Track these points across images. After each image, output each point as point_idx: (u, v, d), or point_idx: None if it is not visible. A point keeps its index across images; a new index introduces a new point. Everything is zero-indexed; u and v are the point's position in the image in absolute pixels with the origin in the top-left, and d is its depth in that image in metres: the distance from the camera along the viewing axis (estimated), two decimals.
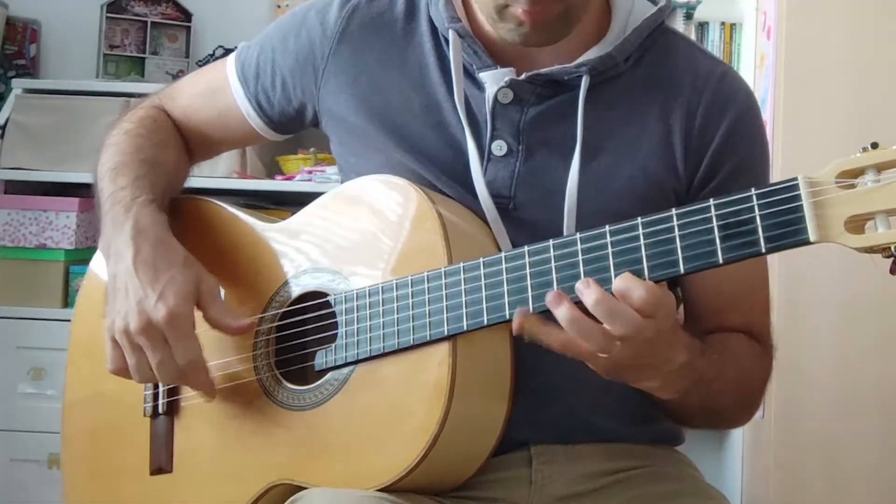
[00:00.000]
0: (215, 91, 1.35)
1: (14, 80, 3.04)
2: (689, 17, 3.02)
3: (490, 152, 1.17)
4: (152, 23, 3.25)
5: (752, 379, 1.19)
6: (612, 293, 0.98)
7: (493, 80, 1.17)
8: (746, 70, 2.84)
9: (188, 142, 1.38)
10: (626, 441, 1.20)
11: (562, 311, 0.98)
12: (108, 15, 3.21)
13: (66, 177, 2.84)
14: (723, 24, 3.02)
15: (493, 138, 1.17)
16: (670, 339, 1.02)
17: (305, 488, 1.10)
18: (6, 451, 2.81)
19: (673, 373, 1.04)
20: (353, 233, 1.16)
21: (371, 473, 1.07)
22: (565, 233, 1.11)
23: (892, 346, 2.05)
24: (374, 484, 1.06)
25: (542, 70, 1.16)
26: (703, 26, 3.04)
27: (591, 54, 1.17)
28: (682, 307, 1.23)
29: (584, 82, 1.15)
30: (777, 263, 2.11)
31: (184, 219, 1.29)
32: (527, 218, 1.15)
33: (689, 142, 1.17)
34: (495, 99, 1.16)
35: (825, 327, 2.08)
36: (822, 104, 2.07)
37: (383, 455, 1.07)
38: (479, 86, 1.18)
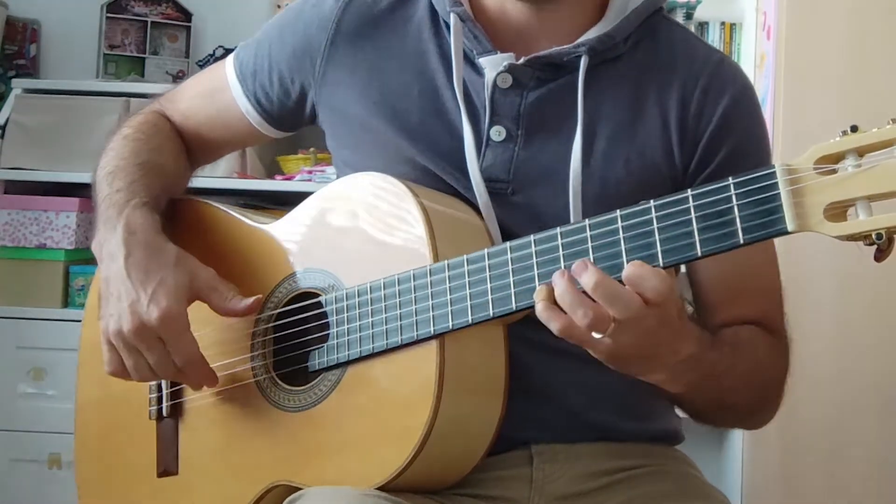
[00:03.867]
0: (215, 91, 1.35)
1: (14, 80, 3.05)
2: (689, 17, 3.02)
3: (489, 138, 1.17)
4: (152, 23, 3.25)
5: (768, 372, 1.18)
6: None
7: (493, 66, 1.17)
8: (746, 70, 2.84)
9: (189, 144, 1.38)
10: (626, 439, 1.20)
11: (558, 287, 0.96)
12: (108, 15, 3.22)
13: (66, 177, 2.84)
14: (723, 24, 3.03)
15: (492, 123, 1.17)
16: (676, 329, 1.00)
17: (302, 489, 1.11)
18: (6, 451, 2.81)
19: (680, 364, 1.03)
20: (342, 232, 1.16)
21: (364, 474, 1.07)
22: (572, 218, 1.11)
23: (892, 345, 2.05)
24: (367, 484, 1.06)
25: (541, 53, 1.16)
26: (703, 26, 3.05)
27: (590, 34, 1.17)
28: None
29: (583, 62, 1.15)
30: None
31: (178, 220, 1.29)
32: (526, 202, 1.15)
33: (685, 127, 1.17)
34: (494, 84, 1.17)
35: (825, 327, 2.08)
36: (822, 104, 2.07)
37: (375, 455, 1.07)
38: (478, 71, 1.19)
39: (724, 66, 1.21)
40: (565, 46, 1.16)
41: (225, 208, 1.32)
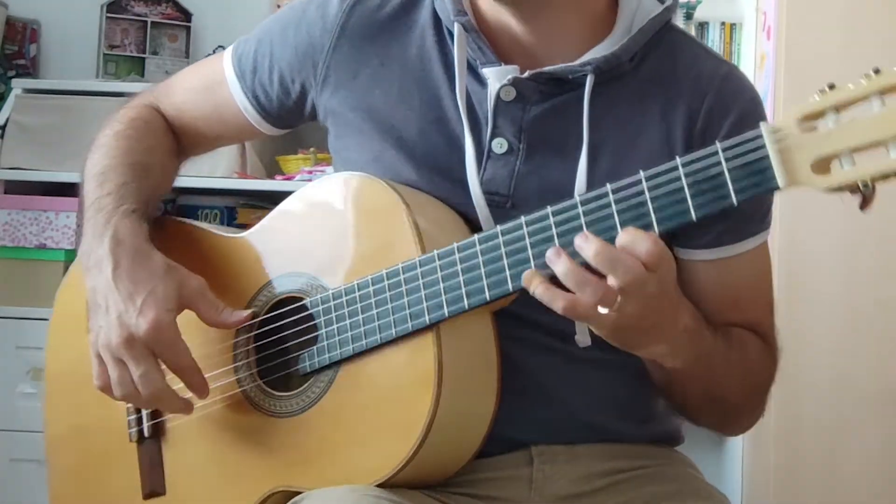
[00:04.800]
0: (211, 86, 1.33)
1: (14, 80, 3.04)
2: (689, 17, 3.02)
3: (490, 150, 1.16)
4: (152, 23, 3.25)
5: (758, 375, 1.19)
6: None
7: (497, 77, 1.16)
8: (746, 70, 2.83)
9: (182, 138, 1.36)
10: (626, 441, 1.20)
11: (560, 265, 0.97)
12: (108, 15, 3.21)
13: (66, 177, 2.83)
14: (723, 24, 3.02)
15: (493, 136, 1.16)
16: (674, 299, 1.02)
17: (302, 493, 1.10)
18: (6, 451, 2.81)
19: (680, 336, 1.04)
20: (323, 233, 1.16)
21: (366, 470, 1.07)
22: None
23: (892, 346, 2.05)
24: (370, 480, 1.06)
25: (546, 68, 1.15)
26: (703, 26, 3.04)
27: (596, 53, 1.16)
28: None
29: (589, 81, 1.14)
30: (777, 261, 2.11)
31: (154, 237, 1.26)
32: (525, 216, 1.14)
33: (691, 143, 1.15)
34: (497, 96, 1.16)
35: (825, 328, 2.08)
36: None
37: (378, 450, 1.07)
38: (481, 82, 1.18)
39: (731, 80, 1.19)
40: (571, 64, 1.14)
41: (195, 223, 1.31)
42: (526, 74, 1.15)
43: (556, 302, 0.97)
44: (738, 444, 2.70)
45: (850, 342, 2.05)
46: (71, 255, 2.84)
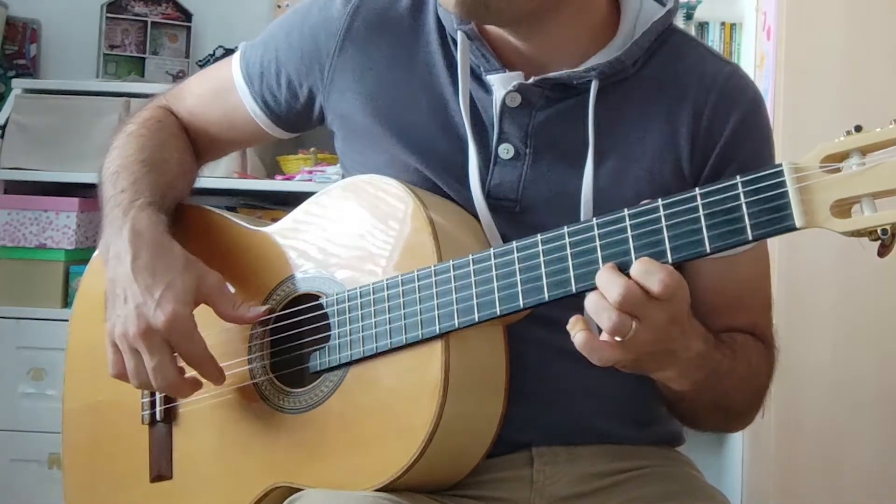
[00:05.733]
0: (221, 91, 1.34)
1: (14, 80, 3.05)
2: (689, 17, 3.02)
3: (497, 155, 1.16)
4: (152, 23, 3.25)
5: (760, 377, 1.19)
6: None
7: (502, 84, 1.16)
8: (746, 70, 2.84)
9: (195, 142, 1.37)
10: (627, 443, 1.20)
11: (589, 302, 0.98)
12: (108, 15, 3.22)
13: (66, 177, 2.84)
14: (723, 24, 3.02)
15: (500, 141, 1.16)
16: (686, 327, 1.02)
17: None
18: (6, 451, 2.81)
19: (690, 361, 1.04)
20: (344, 234, 1.16)
21: (368, 473, 1.07)
22: None
23: (891, 345, 2.05)
24: (371, 484, 1.06)
25: (551, 74, 1.15)
26: (703, 26, 3.04)
27: (600, 58, 1.16)
28: None
29: (594, 87, 1.14)
30: (777, 263, 2.11)
31: (175, 224, 1.27)
32: (534, 221, 1.13)
33: (696, 143, 1.16)
34: (503, 102, 1.16)
35: (825, 328, 2.08)
36: (822, 104, 2.07)
37: (379, 455, 1.07)
38: (486, 88, 1.18)
39: (735, 79, 1.20)
40: (576, 70, 1.15)
41: (221, 212, 1.32)
42: (531, 80, 1.15)
43: (595, 354, 0.98)
44: (738, 444, 2.70)
45: (849, 343, 2.05)
46: (71, 255, 2.85)
